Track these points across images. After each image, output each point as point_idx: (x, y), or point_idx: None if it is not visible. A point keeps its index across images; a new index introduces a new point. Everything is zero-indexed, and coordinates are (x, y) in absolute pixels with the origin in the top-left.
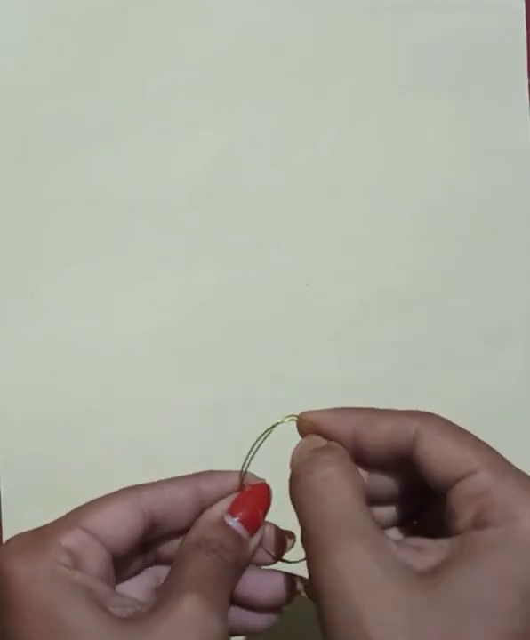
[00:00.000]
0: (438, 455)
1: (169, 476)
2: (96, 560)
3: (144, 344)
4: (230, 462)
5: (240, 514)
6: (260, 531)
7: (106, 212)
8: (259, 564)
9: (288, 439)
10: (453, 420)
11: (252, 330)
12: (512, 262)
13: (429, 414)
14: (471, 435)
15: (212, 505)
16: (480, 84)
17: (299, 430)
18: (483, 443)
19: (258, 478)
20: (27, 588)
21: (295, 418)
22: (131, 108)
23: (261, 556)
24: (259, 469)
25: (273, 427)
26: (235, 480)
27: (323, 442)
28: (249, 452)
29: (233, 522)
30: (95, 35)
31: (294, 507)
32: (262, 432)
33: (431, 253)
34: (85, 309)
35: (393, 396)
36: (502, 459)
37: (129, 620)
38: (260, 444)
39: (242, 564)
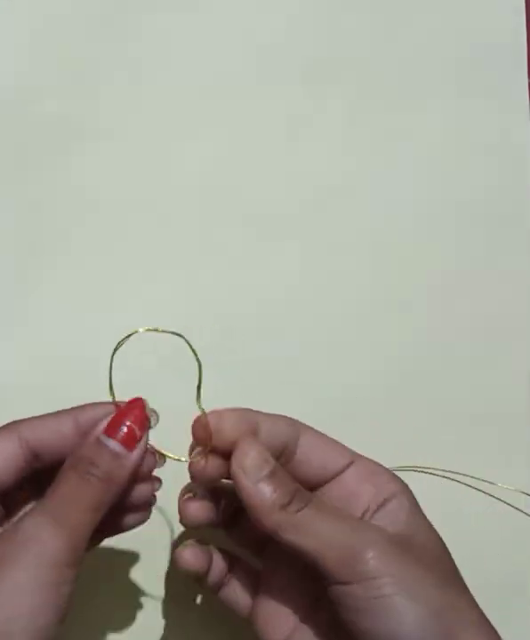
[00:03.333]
0: (319, 451)
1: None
2: None
3: (143, 344)
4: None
5: (117, 432)
6: (140, 445)
7: (106, 212)
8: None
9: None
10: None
11: (252, 330)
12: (512, 262)
13: (296, 421)
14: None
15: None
16: (480, 84)
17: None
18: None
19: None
20: None
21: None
22: (131, 108)
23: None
24: None
25: (128, 336)
26: (110, 409)
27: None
28: (110, 370)
29: (108, 440)
30: (95, 35)
31: (296, 547)
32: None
33: (431, 253)
34: (85, 309)
35: (393, 396)
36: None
37: None
38: (114, 354)
39: (119, 479)
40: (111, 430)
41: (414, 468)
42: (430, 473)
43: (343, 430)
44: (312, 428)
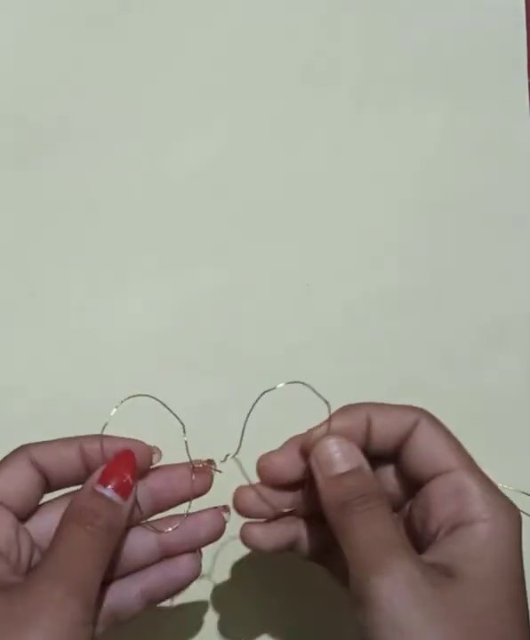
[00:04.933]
0: (428, 449)
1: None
2: (4, 526)
3: (144, 344)
4: (229, 462)
5: (111, 481)
6: (132, 493)
7: (106, 212)
8: (135, 525)
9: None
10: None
11: (252, 330)
12: (512, 262)
13: (422, 410)
14: (455, 437)
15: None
16: (480, 84)
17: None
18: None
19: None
20: None
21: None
22: (131, 108)
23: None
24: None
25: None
26: (116, 445)
27: (346, 466)
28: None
29: (105, 489)
30: (95, 35)
31: (342, 532)
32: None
33: (431, 253)
34: (85, 309)
35: (393, 395)
36: (478, 466)
37: (8, 596)
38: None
39: (117, 528)
40: (105, 480)
41: None
42: None
43: None
44: (436, 424)
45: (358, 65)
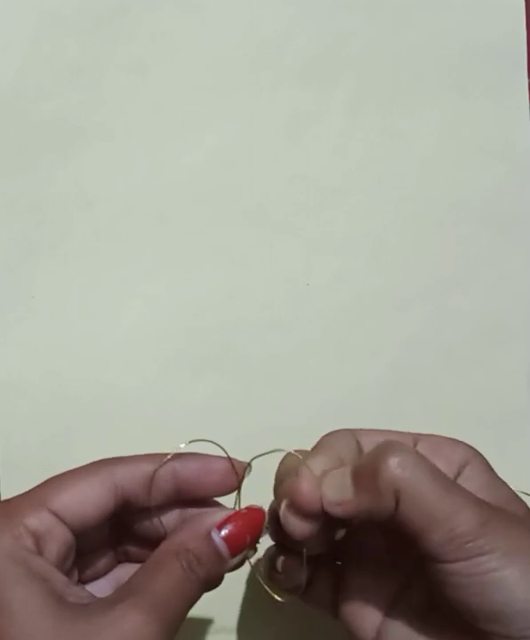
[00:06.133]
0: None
1: None
2: (58, 543)
3: (144, 344)
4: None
5: (227, 531)
6: (241, 554)
7: (106, 212)
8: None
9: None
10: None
11: (252, 330)
12: (512, 262)
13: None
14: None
15: (193, 501)
16: (480, 83)
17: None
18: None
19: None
20: None
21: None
22: (131, 108)
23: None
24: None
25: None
26: (219, 466)
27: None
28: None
29: (218, 538)
30: (95, 35)
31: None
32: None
33: (431, 253)
34: (85, 309)
35: (393, 396)
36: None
37: (79, 614)
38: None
39: (212, 582)
40: (222, 526)
41: None
42: None
43: None
44: (368, 428)
45: (358, 65)
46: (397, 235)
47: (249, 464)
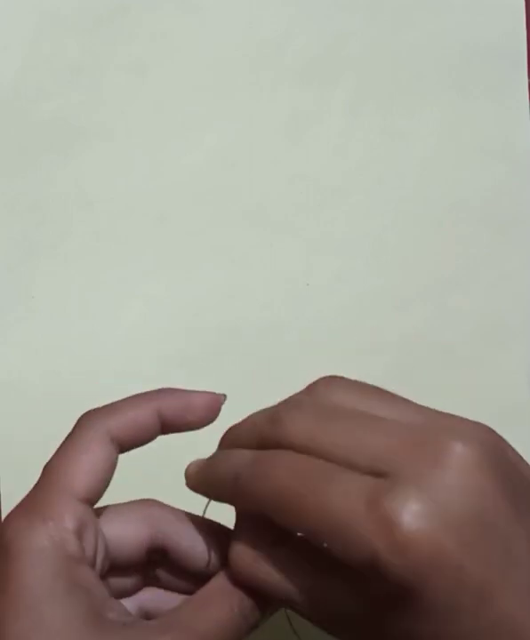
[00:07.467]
0: None
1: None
2: (94, 537)
3: (144, 344)
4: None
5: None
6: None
7: (106, 212)
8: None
9: None
10: None
11: (252, 330)
12: (512, 262)
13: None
14: None
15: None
16: (480, 84)
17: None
18: None
19: None
20: (29, 582)
21: None
22: (131, 108)
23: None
24: None
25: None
26: (193, 400)
27: None
28: None
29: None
30: (95, 35)
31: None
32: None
33: (431, 253)
34: (85, 309)
35: None
36: None
37: (120, 633)
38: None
39: (252, 626)
40: None
41: None
42: None
43: None
44: None
45: (358, 65)
46: (397, 235)
47: (224, 395)
